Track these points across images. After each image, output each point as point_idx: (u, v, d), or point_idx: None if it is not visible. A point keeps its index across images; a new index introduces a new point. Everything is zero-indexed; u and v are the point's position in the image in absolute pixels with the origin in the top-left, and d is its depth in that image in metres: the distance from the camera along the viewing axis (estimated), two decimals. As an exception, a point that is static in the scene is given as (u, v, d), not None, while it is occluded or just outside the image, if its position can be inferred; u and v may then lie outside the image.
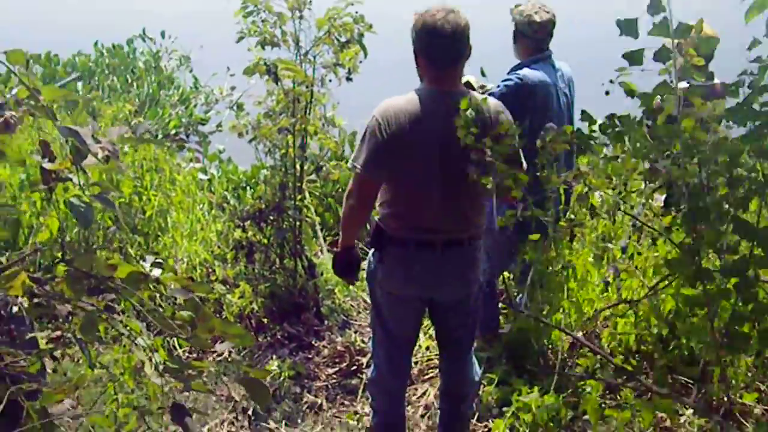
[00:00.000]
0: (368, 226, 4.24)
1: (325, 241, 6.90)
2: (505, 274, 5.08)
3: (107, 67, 12.24)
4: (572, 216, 4.94)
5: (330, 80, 5.35)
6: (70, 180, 1.98)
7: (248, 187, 8.03)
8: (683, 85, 3.46)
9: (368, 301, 5.98)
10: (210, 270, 5.69)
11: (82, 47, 12.82)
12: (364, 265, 3.98)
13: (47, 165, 1.97)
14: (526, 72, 4.82)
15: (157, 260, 4.13)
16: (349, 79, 5.32)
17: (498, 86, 4.82)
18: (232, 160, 8.76)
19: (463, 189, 3.58)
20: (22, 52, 1.87)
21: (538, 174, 4.72)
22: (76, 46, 12.84)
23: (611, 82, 3.63)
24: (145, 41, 13.30)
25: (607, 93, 3.71)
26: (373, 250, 3.80)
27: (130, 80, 11.88)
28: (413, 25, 3.55)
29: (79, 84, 11.34)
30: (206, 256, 5.71)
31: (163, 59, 13.01)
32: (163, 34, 13.41)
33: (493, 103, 3.70)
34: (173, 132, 10.98)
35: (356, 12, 5.13)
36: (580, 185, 4.16)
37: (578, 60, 5.63)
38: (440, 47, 3.50)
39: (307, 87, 5.18)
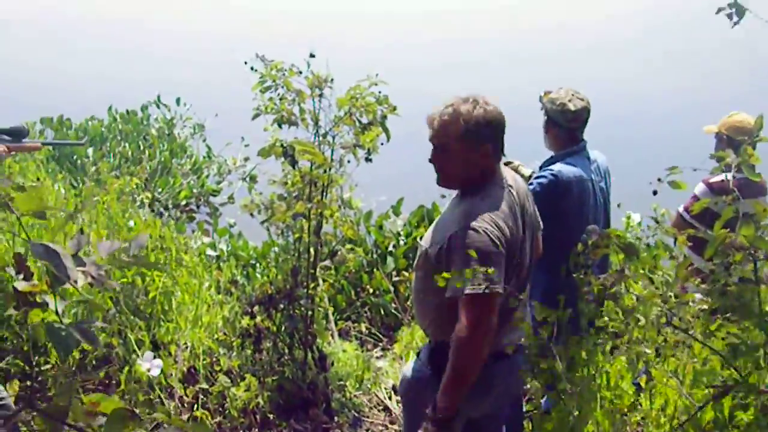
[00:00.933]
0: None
1: (336, 325, 6.58)
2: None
3: (120, 132, 12.03)
4: (606, 319, 4.60)
5: (348, 161, 5.05)
6: (46, 306, 1.65)
7: (258, 264, 7.75)
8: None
9: (380, 396, 5.64)
10: (214, 360, 5.33)
11: (96, 112, 12.64)
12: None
13: (20, 285, 1.64)
14: (560, 168, 4.50)
15: (155, 360, 3.80)
16: (368, 159, 5.01)
17: (530, 184, 4.51)
18: (242, 235, 8.49)
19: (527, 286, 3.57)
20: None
21: (572, 274, 4.42)
22: (90, 111, 12.66)
23: (659, 180, 3.35)
24: (160, 108, 13.11)
25: (655, 192, 3.42)
26: (428, 368, 3.46)
27: (142, 147, 11.66)
28: (475, 116, 3.32)
29: (90, 150, 11.12)
30: (211, 344, 5.36)
31: (177, 127, 12.81)
32: (178, 101, 13.25)
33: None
34: (183, 203, 10.73)
35: (380, 92, 4.84)
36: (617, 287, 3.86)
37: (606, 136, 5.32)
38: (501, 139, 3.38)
39: (325, 171, 4.88)
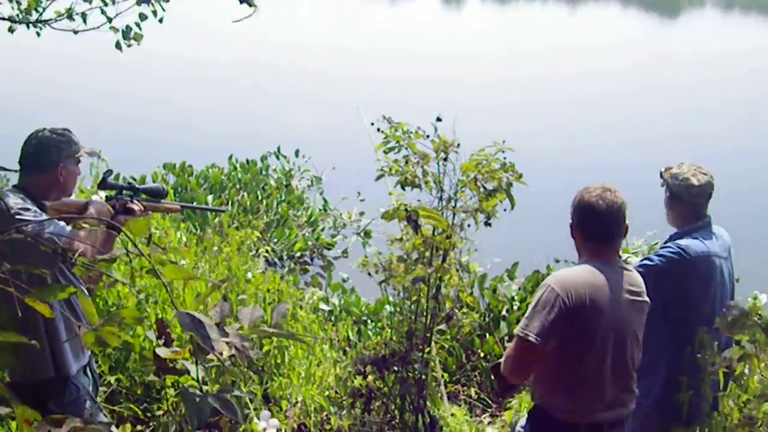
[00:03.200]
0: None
1: (446, 388, 6.49)
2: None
3: (239, 181, 12.22)
4: (731, 403, 4.43)
5: (468, 225, 5.00)
6: (187, 373, 1.65)
7: (369, 321, 7.73)
8: None
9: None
10: (324, 418, 5.31)
11: (216, 160, 12.88)
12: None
13: (161, 351, 1.64)
14: (687, 243, 4.37)
15: (272, 420, 3.80)
16: (487, 224, 4.95)
17: (653, 258, 4.39)
18: (355, 290, 8.49)
19: (630, 362, 3.59)
20: (145, 224, 1.57)
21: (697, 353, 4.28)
22: (211, 159, 12.91)
23: None
24: (279, 159, 13.29)
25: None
26: (528, 429, 3.74)
27: (260, 197, 11.82)
28: (573, 201, 3.70)
29: (210, 197, 11.33)
30: (322, 401, 5.35)
31: (295, 178, 12.96)
32: (296, 153, 13.40)
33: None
34: (298, 254, 10.81)
35: (505, 158, 4.80)
36: (741, 365, 3.72)
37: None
38: (596, 225, 3.62)
39: (448, 236, 4.84)
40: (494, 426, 6.30)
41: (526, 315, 3.52)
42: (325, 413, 5.36)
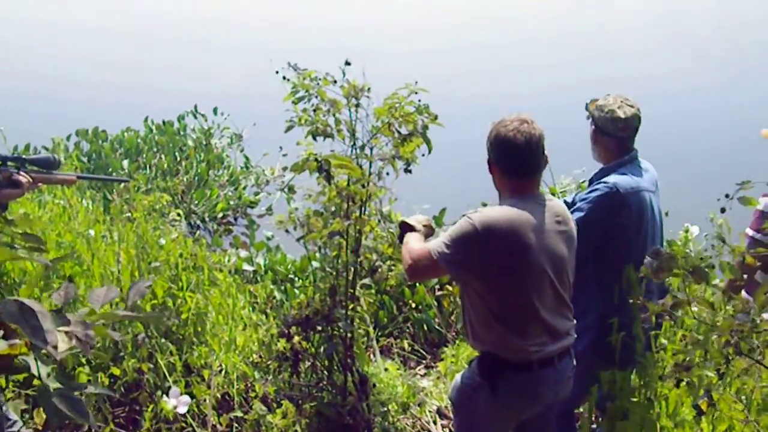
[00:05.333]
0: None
1: (377, 342, 6.29)
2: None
3: (156, 144, 11.81)
4: (664, 342, 4.28)
5: (387, 173, 4.75)
6: (27, 370, 1.37)
7: (297, 279, 7.49)
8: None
9: (424, 421, 5.37)
10: (249, 385, 5.06)
11: (132, 124, 12.43)
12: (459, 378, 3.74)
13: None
14: (616, 179, 4.15)
15: (183, 397, 3.53)
16: (407, 171, 4.70)
17: (583, 199, 4.18)
18: (280, 248, 8.22)
19: (568, 291, 3.58)
20: None
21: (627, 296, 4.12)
22: (126, 123, 12.45)
23: (727, 197, 3.05)
24: (197, 118, 12.89)
25: (723, 210, 3.10)
26: (478, 376, 3.59)
27: (178, 159, 11.44)
28: (488, 136, 3.52)
29: (125, 162, 10.93)
30: (245, 368, 5.09)
31: (215, 137, 12.58)
32: (215, 111, 13.01)
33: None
34: (220, 215, 10.49)
35: (419, 100, 4.54)
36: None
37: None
38: (516, 160, 3.47)
39: (363, 185, 4.59)
40: (429, 378, 6.13)
41: (443, 237, 3.46)
42: (250, 381, 5.11)
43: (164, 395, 4.16)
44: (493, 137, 3.47)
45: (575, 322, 3.68)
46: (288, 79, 4.66)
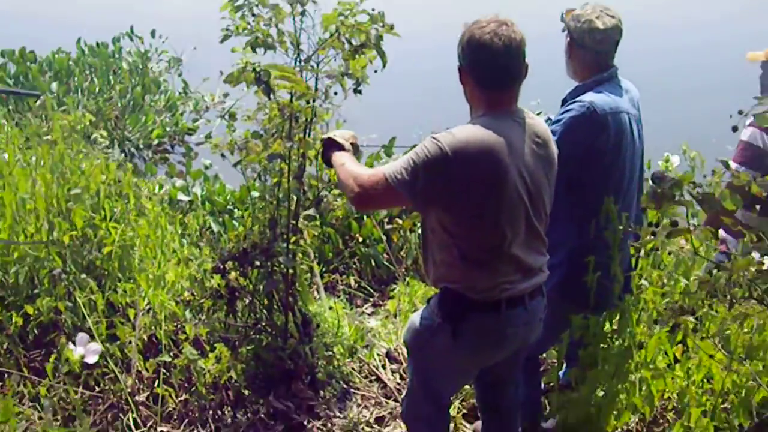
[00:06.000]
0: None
1: (322, 279, 5.85)
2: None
3: (88, 67, 11.14)
4: (643, 283, 3.87)
5: (335, 93, 4.25)
6: None
7: (236, 210, 6.99)
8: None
9: (372, 365, 4.97)
10: (179, 326, 4.59)
11: (64, 44, 11.73)
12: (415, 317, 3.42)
13: None
14: (592, 98, 3.68)
15: (92, 344, 3.02)
16: (357, 91, 4.20)
17: (558, 120, 3.71)
18: (219, 178, 7.70)
19: (544, 223, 3.23)
20: None
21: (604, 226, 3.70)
22: (58, 43, 11.75)
23: (740, 113, 2.63)
24: (133, 40, 12.23)
25: (734, 129, 2.68)
26: (438, 316, 3.24)
27: (112, 82, 10.80)
28: (459, 40, 3.10)
29: (54, 85, 10.27)
30: (175, 307, 4.61)
31: (152, 61, 11.95)
32: (153, 34, 12.37)
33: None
34: (156, 142, 9.91)
35: (373, 8, 4.01)
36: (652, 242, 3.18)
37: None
38: (493, 69, 3.05)
39: (308, 102, 4.08)
40: (377, 317, 5.72)
41: (401, 161, 3.03)
42: (180, 321, 4.63)
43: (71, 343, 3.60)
44: (467, 40, 3.03)
45: (547, 257, 3.31)
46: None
